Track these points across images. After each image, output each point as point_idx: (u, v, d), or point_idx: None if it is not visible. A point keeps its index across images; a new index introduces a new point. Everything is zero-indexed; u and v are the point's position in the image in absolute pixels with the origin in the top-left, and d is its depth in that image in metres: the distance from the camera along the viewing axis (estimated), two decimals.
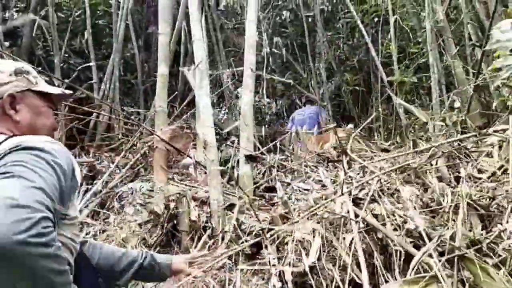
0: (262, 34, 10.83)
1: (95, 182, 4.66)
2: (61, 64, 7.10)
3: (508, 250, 2.70)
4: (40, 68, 6.82)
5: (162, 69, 4.48)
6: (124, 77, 8.60)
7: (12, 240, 0.86)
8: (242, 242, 3.41)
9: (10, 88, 1.27)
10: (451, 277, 2.19)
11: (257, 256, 3.43)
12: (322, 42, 10.54)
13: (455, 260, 2.35)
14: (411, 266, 2.52)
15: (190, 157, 4.58)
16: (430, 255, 2.48)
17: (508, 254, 2.70)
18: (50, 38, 7.27)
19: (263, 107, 10.58)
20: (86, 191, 4.48)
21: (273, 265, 3.24)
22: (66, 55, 7.97)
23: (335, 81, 10.36)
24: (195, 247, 3.65)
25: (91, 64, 7.43)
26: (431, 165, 4.02)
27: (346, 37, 10.47)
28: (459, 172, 3.92)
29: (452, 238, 2.78)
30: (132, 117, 7.15)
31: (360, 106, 9.31)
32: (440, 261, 2.31)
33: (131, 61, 9.88)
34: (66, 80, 6.61)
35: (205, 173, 4.26)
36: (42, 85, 1.41)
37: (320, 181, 4.70)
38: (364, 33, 7.09)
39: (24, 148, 1.09)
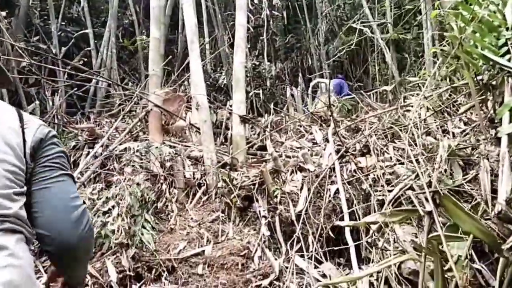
0: None
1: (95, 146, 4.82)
2: (58, 32, 7.14)
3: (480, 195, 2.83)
4: (37, 37, 6.92)
5: (154, 33, 4.55)
6: (122, 44, 8.62)
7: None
8: (234, 197, 3.58)
9: None
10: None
11: (248, 209, 3.62)
12: (323, 3, 10.41)
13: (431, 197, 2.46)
14: (387, 200, 2.67)
15: (183, 119, 4.70)
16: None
17: (481, 199, 2.83)
18: (47, 6, 7.29)
19: (263, 70, 10.57)
20: (88, 154, 4.65)
21: (263, 216, 3.42)
22: (63, 23, 8.00)
23: (336, 41, 10.29)
24: (190, 202, 3.84)
25: (87, 31, 7.47)
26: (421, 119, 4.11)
27: None
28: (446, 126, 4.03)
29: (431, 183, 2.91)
30: (130, 83, 7.24)
31: (360, 65, 9.28)
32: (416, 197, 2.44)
33: (130, 28, 9.87)
34: (64, 48, 6.68)
35: (199, 133, 4.39)
36: None
37: (313, 139, 4.83)
38: None
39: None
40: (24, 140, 1.07)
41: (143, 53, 8.64)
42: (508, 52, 1.79)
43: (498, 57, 1.77)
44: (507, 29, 1.89)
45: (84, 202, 1.16)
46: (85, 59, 6.88)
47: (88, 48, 7.43)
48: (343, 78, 7.76)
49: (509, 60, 1.74)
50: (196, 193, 3.91)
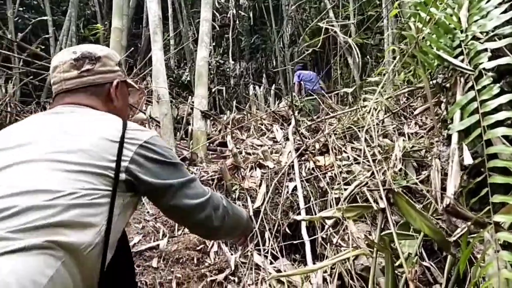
0: None
1: None
2: (15, 18, 6.82)
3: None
4: None
5: (116, 23, 4.42)
6: (83, 34, 8.36)
7: None
8: None
9: (116, 76, 1.38)
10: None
11: None
12: (290, 6, 10.51)
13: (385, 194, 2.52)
14: (343, 196, 2.71)
15: (143, 112, 4.61)
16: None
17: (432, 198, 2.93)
18: None
19: (228, 69, 10.57)
20: None
21: None
22: (21, 9, 7.66)
23: (301, 44, 10.40)
24: None
25: (46, 18, 7.17)
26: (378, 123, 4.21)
27: (313, 0, 10.44)
28: (402, 128, 4.14)
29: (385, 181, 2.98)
30: None
31: (323, 68, 9.42)
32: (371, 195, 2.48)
33: (93, 19, 9.64)
34: (20, 34, 6.39)
35: (159, 127, 4.31)
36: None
37: (274, 138, 4.85)
38: None
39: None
40: None
41: (105, 44, 8.40)
42: (461, 53, 1.86)
43: (452, 58, 1.84)
44: (461, 31, 1.96)
45: None
46: (43, 47, 6.61)
47: (46, 36, 7.14)
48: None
49: (462, 61, 1.81)
50: None
